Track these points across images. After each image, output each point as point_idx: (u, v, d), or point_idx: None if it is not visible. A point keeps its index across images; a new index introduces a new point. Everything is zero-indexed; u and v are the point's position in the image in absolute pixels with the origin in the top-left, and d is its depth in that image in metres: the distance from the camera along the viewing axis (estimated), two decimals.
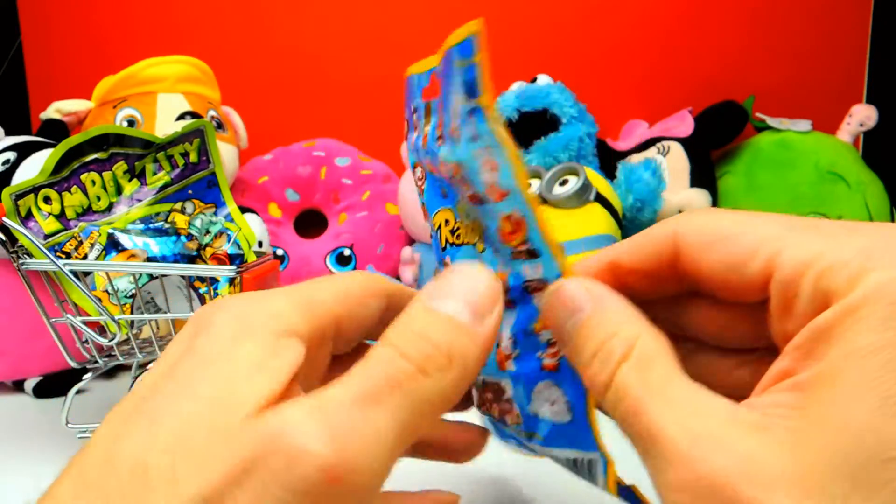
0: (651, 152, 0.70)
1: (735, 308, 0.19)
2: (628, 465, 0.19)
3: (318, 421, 0.15)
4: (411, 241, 0.72)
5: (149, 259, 0.42)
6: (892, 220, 0.70)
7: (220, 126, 0.63)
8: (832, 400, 0.14)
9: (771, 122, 0.74)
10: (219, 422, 0.15)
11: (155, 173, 0.47)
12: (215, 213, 0.48)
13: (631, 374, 0.16)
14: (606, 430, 0.20)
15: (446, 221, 0.24)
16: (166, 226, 0.45)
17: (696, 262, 0.18)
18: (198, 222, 0.46)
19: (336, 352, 0.21)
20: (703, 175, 0.69)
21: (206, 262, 0.44)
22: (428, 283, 0.19)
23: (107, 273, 0.40)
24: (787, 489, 0.13)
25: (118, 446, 0.16)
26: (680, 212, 0.68)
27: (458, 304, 0.18)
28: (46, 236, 0.42)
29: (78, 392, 0.39)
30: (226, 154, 0.61)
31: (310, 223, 0.75)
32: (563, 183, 0.60)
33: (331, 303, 0.19)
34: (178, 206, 0.47)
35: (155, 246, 0.43)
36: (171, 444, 0.15)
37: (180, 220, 0.46)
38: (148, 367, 0.40)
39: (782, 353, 0.16)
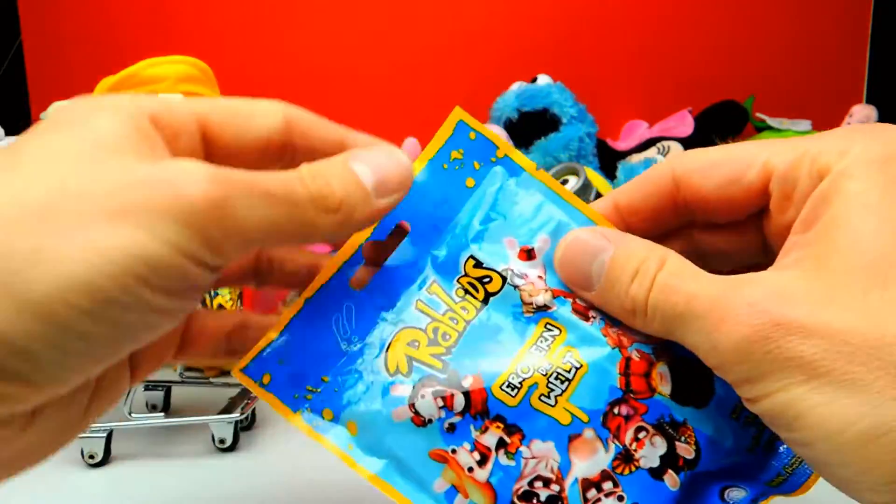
0: (651, 152, 0.70)
1: (732, 227, 0.22)
2: None
3: (207, 168, 0.16)
4: None
5: None
6: None
7: None
8: (837, 235, 0.16)
9: (771, 122, 0.74)
10: (96, 167, 0.16)
11: None
12: None
13: (667, 276, 0.19)
14: None
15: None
16: None
17: (696, 187, 0.21)
18: None
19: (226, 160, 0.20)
20: None
21: None
22: (359, 148, 0.21)
23: None
24: (813, 302, 0.16)
25: None
26: None
27: (370, 173, 0.20)
28: None
29: None
30: None
31: None
32: (564, 183, 0.60)
33: (200, 105, 0.20)
34: None
35: None
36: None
37: None
38: None
39: (789, 236, 0.18)
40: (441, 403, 0.21)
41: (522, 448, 0.21)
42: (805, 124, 0.73)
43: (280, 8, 0.81)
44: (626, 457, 0.21)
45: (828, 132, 0.19)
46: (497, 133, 0.25)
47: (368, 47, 0.82)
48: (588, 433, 0.21)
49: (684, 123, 0.71)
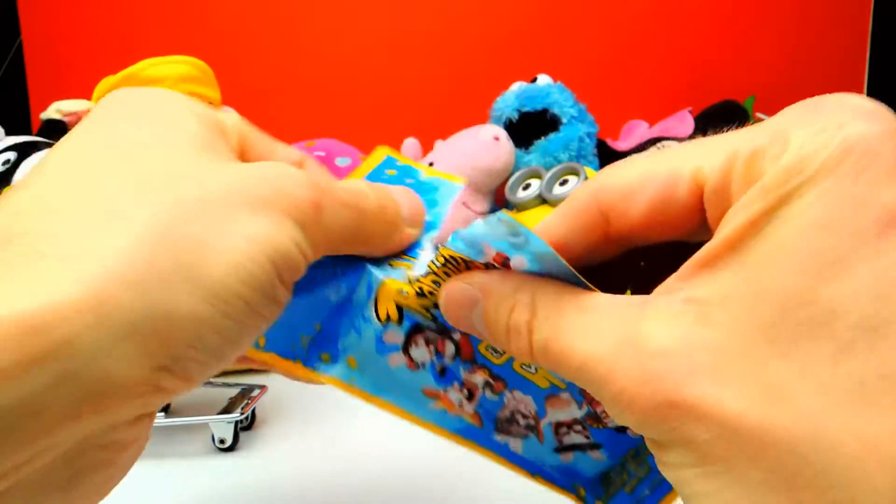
0: (651, 152, 0.70)
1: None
2: None
3: (305, 173, 0.18)
4: None
5: None
6: None
7: None
8: (748, 278, 0.14)
9: None
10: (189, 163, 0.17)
11: None
12: None
13: (544, 329, 0.17)
14: None
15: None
16: None
17: (626, 216, 0.17)
18: None
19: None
20: None
21: None
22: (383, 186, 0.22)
23: None
24: (709, 371, 0.14)
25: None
26: None
27: (404, 206, 0.22)
28: None
29: None
30: None
31: None
32: (564, 183, 0.60)
33: (242, 123, 0.22)
34: None
35: None
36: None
37: None
38: None
39: (712, 249, 0.15)
40: (433, 349, 0.22)
41: (506, 392, 0.23)
42: None
43: (280, 8, 0.81)
44: (596, 418, 0.23)
45: (769, 119, 0.16)
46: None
47: (369, 48, 0.82)
48: (564, 395, 0.22)
49: (684, 123, 0.71)
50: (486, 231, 0.17)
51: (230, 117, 0.21)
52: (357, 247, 0.21)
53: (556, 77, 0.72)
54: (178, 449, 0.40)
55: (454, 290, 0.19)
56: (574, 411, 0.23)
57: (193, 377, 0.16)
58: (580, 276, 0.18)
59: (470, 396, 0.23)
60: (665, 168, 0.17)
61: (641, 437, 0.22)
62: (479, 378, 0.22)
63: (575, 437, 0.23)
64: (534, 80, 0.72)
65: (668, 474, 0.15)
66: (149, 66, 0.61)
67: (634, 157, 0.18)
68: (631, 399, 0.15)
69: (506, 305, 0.18)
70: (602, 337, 0.16)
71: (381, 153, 0.26)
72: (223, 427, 0.39)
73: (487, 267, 0.20)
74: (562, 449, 0.23)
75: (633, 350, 0.15)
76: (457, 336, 0.22)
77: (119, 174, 0.16)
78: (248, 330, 0.17)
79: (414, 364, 0.22)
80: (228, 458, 0.39)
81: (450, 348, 0.22)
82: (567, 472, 0.24)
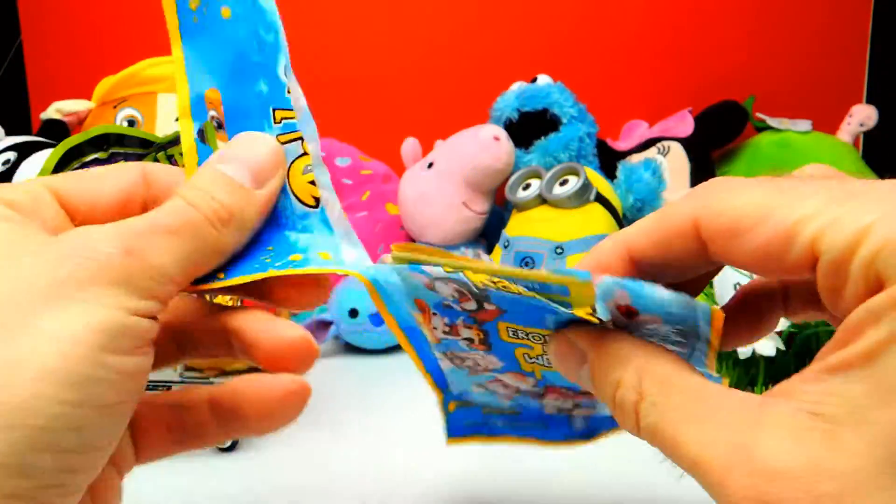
0: (651, 152, 0.70)
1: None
2: None
3: (106, 227, 0.17)
4: (411, 241, 0.72)
5: None
6: None
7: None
8: (879, 392, 0.13)
9: (771, 122, 0.74)
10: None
11: None
12: None
13: (652, 415, 0.16)
14: None
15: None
16: None
17: (725, 252, 0.17)
18: None
19: (90, 219, 0.20)
20: (703, 175, 0.69)
21: None
22: (221, 147, 0.21)
23: None
24: (834, 499, 0.13)
25: None
26: None
27: (241, 168, 0.20)
28: None
29: None
30: None
31: None
32: (564, 183, 0.60)
33: (49, 178, 0.20)
34: None
35: None
36: None
37: None
38: None
39: (833, 336, 0.14)
40: (456, 295, 0.20)
41: (481, 352, 0.22)
42: (805, 124, 0.73)
43: (280, 8, 0.81)
44: (541, 395, 0.24)
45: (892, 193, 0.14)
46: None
47: (369, 47, 0.82)
48: (529, 379, 0.23)
49: (684, 123, 0.71)
50: (671, 305, 0.16)
51: (33, 184, 0.19)
52: (210, 260, 0.19)
53: (556, 77, 0.72)
54: None
55: (563, 345, 0.19)
56: (526, 387, 0.24)
57: (64, 493, 0.15)
58: (713, 346, 0.17)
59: (448, 333, 0.22)
60: (781, 213, 0.15)
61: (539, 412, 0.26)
62: (467, 332, 0.22)
63: (500, 389, 0.24)
64: (534, 80, 0.72)
65: None
66: (149, 66, 0.61)
67: (742, 185, 0.17)
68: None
69: (611, 380, 0.17)
70: (714, 438, 0.15)
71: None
72: None
73: (607, 322, 0.18)
74: (479, 385, 0.25)
75: (749, 463, 0.14)
76: (489, 306, 0.20)
77: None
78: (98, 423, 0.16)
79: (430, 286, 0.20)
80: (228, 458, 0.39)
81: (471, 305, 0.20)
82: (462, 392, 0.26)
